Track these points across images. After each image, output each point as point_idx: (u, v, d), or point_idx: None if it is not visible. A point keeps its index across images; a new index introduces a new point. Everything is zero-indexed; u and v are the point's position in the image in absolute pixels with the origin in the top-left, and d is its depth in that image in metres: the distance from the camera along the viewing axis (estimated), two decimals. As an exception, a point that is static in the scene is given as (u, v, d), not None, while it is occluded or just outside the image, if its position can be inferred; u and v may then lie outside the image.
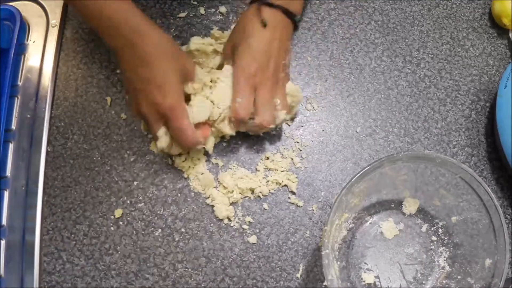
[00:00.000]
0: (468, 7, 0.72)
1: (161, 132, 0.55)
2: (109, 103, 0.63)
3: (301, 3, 0.62)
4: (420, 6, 0.71)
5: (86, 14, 0.54)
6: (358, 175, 0.52)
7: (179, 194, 0.60)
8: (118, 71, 0.64)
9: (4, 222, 0.58)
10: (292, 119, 0.63)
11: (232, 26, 0.67)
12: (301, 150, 0.63)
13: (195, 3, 0.68)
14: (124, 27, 0.52)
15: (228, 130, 0.58)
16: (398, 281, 0.58)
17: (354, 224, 0.59)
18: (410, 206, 0.60)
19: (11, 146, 0.61)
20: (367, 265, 0.58)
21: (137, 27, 0.52)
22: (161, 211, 0.60)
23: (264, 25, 0.57)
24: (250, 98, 0.56)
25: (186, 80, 0.55)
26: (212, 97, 0.57)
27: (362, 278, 0.58)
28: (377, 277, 0.58)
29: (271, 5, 0.58)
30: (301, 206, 0.60)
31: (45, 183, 0.60)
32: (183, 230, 0.59)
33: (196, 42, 0.61)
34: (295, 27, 0.61)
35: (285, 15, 0.59)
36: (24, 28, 0.66)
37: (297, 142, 0.63)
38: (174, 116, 0.53)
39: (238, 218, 0.60)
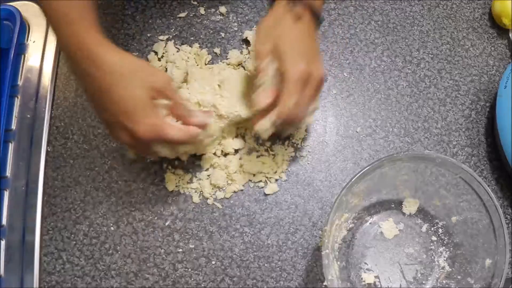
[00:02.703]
0: (468, 7, 0.72)
1: (157, 148, 0.52)
2: None
3: (322, 3, 0.59)
4: (420, 6, 0.71)
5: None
6: (358, 175, 0.52)
7: (179, 194, 0.60)
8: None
9: (4, 222, 0.58)
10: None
11: (233, 26, 0.67)
12: (301, 150, 0.63)
13: (195, 3, 0.68)
14: (77, 54, 0.48)
15: (236, 145, 0.59)
16: (398, 281, 0.58)
17: (354, 224, 0.59)
18: (410, 206, 0.60)
19: (11, 146, 0.61)
20: (367, 265, 0.58)
21: (89, 52, 0.48)
22: (161, 211, 0.60)
23: (299, 18, 0.54)
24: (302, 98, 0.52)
25: (160, 96, 0.50)
26: (220, 108, 0.57)
27: (362, 278, 0.58)
28: (377, 277, 0.58)
29: (300, 1, 0.54)
30: (301, 205, 0.60)
31: (45, 183, 0.60)
32: (183, 230, 0.59)
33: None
34: (317, 27, 0.58)
35: (311, 13, 0.55)
36: (24, 28, 0.66)
37: (298, 142, 0.63)
38: (158, 136, 0.49)
39: (238, 219, 0.60)
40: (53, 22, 0.49)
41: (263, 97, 0.52)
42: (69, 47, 0.48)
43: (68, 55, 0.49)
